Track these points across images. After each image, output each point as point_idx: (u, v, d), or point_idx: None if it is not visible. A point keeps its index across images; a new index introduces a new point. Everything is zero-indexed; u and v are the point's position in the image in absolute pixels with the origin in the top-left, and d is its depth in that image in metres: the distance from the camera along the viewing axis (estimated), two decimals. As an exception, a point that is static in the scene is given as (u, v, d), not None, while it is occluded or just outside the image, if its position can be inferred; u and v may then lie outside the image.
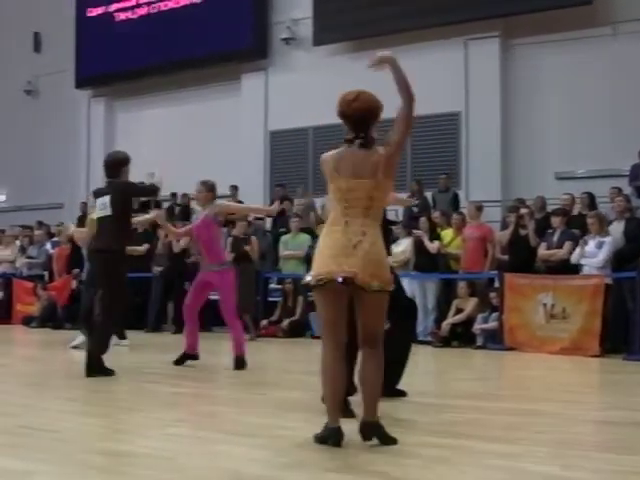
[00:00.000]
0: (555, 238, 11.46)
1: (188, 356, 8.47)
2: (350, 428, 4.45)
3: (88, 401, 6.39)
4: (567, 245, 11.26)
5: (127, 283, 8.23)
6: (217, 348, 10.04)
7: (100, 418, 5.45)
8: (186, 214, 16.00)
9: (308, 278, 4.52)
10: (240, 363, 8.21)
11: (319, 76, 16.87)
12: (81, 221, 14.21)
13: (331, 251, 4.44)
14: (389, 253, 5.16)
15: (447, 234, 12.82)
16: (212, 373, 8.41)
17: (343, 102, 4.59)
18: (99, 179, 18.04)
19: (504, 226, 12.97)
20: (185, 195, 16.61)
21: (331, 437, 4.38)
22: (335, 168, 4.55)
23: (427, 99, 15.98)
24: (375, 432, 4.47)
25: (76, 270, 13.92)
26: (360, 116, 4.54)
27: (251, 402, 6.22)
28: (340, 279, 4.36)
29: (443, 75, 15.56)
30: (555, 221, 11.60)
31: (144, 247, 14.44)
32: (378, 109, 4.60)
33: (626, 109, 14.14)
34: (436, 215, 13.31)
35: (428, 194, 15.00)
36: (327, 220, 4.66)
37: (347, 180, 4.50)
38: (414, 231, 12.75)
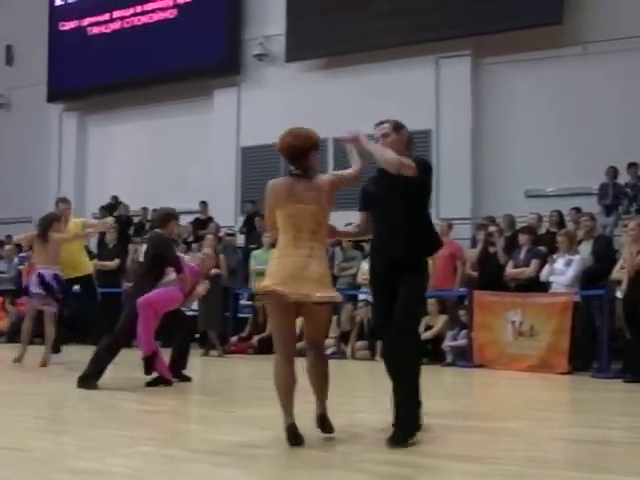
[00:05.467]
0: (522, 256, 11.53)
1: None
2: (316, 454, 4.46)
3: (56, 419, 6.34)
4: (534, 263, 11.31)
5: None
6: (188, 365, 9.92)
7: (69, 436, 5.41)
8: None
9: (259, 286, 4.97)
10: None
11: (291, 92, 16.92)
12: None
13: (285, 272, 4.82)
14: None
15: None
16: (181, 390, 8.34)
17: (279, 138, 5.04)
18: (70, 193, 18.12)
19: (474, 244, 13.04)
20: (155, 210, 16.53)
21: (290, 435, 4.82)
22: (283, 195, 4.96)
23: (398, 116, 16.22)
24: (328, 423, 5.15)
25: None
26: (291, 151, 4.98)
27: (219, 420, 6.20)
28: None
29: (414, 93, 15.63)
30: (522, 239, 11.65)
31: (115, 262, 14.38)
32: (310, 143, 5.00)
33: (595, 128, 14.28)
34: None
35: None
36: (278, 244, 5.07)
37: (294, 206, 4.91)
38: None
